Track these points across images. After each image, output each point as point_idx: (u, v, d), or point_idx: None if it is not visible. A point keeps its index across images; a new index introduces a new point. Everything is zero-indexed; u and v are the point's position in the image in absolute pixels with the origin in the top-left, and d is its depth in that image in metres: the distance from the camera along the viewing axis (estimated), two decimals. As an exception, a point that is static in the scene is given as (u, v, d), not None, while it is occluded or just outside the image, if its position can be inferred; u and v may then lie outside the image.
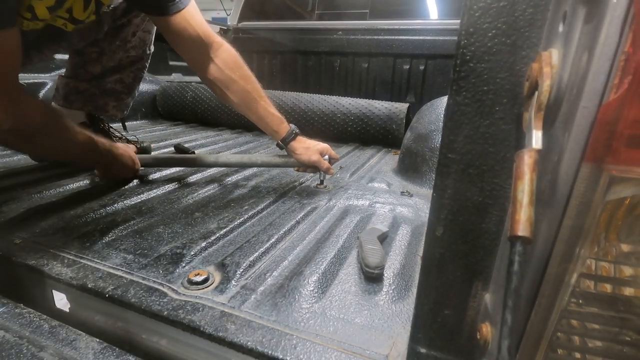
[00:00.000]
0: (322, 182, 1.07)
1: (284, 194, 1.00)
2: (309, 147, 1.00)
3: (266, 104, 0.97)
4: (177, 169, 1.16)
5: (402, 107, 1.68)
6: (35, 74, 1.62)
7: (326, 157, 1.03)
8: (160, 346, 0.54)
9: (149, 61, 1.25)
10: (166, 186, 1.01)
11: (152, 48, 1.24)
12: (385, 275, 0.63)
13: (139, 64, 1.21)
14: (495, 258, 0.36)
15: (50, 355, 0.49)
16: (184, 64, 2.56)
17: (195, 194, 0.97)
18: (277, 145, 1.00)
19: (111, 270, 0.61)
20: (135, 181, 1.04)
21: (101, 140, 0.92)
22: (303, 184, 1.10)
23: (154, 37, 1.21)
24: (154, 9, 0.86)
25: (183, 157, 1.12)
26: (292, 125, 1.00)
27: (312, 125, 1.74)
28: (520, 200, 0.26)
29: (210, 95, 1.94)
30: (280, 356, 0.45)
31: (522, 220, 0.25)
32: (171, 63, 2.42)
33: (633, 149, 0.22)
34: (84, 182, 1.01)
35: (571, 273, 0.26)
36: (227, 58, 0.94)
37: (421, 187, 1.11)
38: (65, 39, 0.97)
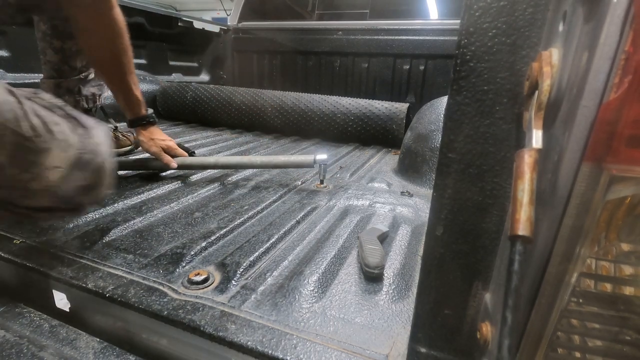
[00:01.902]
0: (322, 182, 1.07)
1: (284, 194, 1.00)
2: (154, 139, 1.07)
3: (132, 82, 0.99)
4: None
5: (402, 107, 1.68)
6: (36, 74, 1.62)
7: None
8: (161, 346, 0.54)
9: None
10: (166, 186, 1.01)
11: None
12: (385, 275, 0.63)
13: None
14: (496, 258, 0.36)
15: (51, 354, 0.49)
16: (184, 63, 2.57)
17: (195, 194, 0.97)
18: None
19: (111, 270, 0.61)
20: (135, 181, 1.04)
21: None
22: (303, 184, 1.10)
23: None
24: None
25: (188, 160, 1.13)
26: (149, 114, 1.06)
27: (312, 125, 1.74)
28: (520, 199, 0.26)
29: (210, 95, 1.94)
30: (281, 356, 0.45)
31: (522, 220, 0.25)
32: (171, 63, 2.42)
33: (633, 148, 0.22)
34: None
35: (571, 272, 0.26)
36: (116, 22, 0.91)
37: (421, 187, 1.11)
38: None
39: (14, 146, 0.51)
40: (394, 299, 0.57)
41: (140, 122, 1.05)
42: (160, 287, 0.57)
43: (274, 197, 0.96)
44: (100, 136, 0.61)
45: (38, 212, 0.58)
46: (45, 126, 0.54)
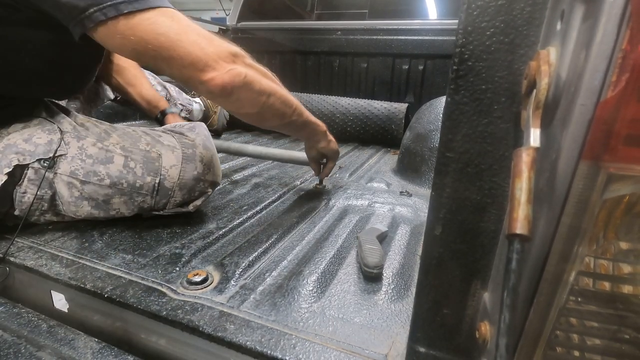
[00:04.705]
0: (321, 182, 1.07)
1: (283, 194, 1.00)
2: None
3: (137, 95, 1.20)
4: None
5: (401, 107, 1.68)
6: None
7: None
8: (159, 346, 0.54)
9: None
10: (165, 186, 1.01)
11: None
12: (385, 274, 0.63)
13: None
14: (494, 257, 0.36)
15: (49, 354, 0.49)
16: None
17: (194, 194, 0.97)
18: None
19: (110, 271, 0.61)
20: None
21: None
22: (302, 184, 1.10)
23: None
24: None
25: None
26: (164, 109, 1.25)
27: (311, 125, 1.74)
28: (518, 198, 0.26)
29: (210, 96, 1.94)
30: (280, 356, 0.45)
31: (520, 218, 0.25)
32: (170, 63, 2.42)
33: (631, 146, 0.22)
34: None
35: (570, 271, 0.26)
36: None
37: (420, 187, 1.11)
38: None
39: (144, 159, 0.72)
40: (393, 298, 0.57)
41: (164, 113, 1.24)
42: (159, 288, 0.56)
43: (273, 197, 0.96)
44: (191, 135, 0.79)
45: (180, 208, 0.76)
46: (153, 139, 0.76)
